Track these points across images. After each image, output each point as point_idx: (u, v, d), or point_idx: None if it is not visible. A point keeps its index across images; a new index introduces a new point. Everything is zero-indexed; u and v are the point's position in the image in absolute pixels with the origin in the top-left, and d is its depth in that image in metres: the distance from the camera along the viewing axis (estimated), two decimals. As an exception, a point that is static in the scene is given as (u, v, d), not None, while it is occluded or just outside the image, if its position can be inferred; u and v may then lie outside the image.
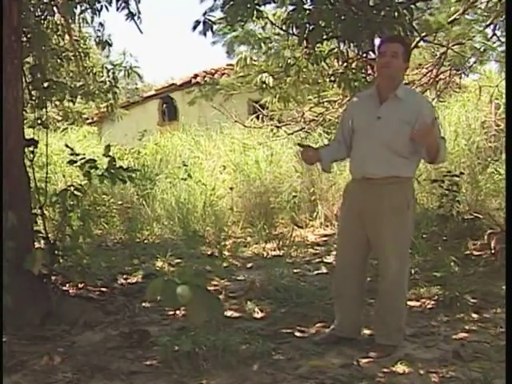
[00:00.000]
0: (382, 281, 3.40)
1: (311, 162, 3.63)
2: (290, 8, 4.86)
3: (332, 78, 6.54)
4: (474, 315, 4.00)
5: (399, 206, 3.29)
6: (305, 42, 4.88)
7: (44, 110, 5.34)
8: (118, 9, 5.39)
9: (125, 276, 5.27)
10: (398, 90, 3.30)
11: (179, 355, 3.16)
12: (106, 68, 8.11)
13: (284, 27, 4.90)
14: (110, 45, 6.99)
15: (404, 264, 3.38)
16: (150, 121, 15.19)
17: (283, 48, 7.11)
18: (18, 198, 3.90)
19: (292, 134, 8.53)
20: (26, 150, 4.17)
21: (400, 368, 3.12)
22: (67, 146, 4.74)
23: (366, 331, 3.60)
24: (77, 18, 6.74)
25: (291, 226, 7.35)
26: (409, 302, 4.28)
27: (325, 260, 5.77)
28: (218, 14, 5.16)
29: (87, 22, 6.93)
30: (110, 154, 4.46)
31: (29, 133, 4.82)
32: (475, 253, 5.59)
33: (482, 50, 7.26)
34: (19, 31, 4.05)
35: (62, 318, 3.94)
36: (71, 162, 4.54)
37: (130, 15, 5.39)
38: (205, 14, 4.71)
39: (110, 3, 5.58)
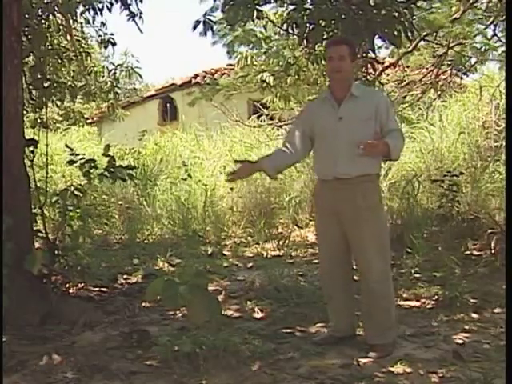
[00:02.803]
0: (366, 281, 3.35)
1: (245, 174, 3.64)
2: (291, 7, 4.86)
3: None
4: (474, 315, 3.99)
5: (373, 202, 3.32)
6: (305, 41, 4.88)
7: (44, 110, 5.35)
8: (119, 7, 5.41)
9: (125, 276, 5.27)
10: (352, 89, 3.34)
11: (179, 355, 3.16)
12: (107, 68, 8.11)
13: (284, 27, 4.91)
14: (114, 44, 6.99)
15: (387, 261, 3.38)
16: (150, 121, 15.19)
17: (283, 47, 7.10)
18: (18, 198, 3.90)
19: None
20: (26, 149, 4.17)
21: (400, 368, 3.11)
22: (67, 146, 4.75)
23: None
24: (78, 17, 6.76)
25: (291, 225, 7.34)
26: (409, 302, 4.30)
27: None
28: (218, 13, 5.17)
29: (89, 22, 6.94)
30: (110, 153, 4.47)
31: (29, 133, 4.82)
32: (475, 253, 5.59)
33: (482, 50, 7.26)
34: (19, 31, 4.05)
35: (62, 318, 3.94)
36: (71, 162, 4.55)
37: (132, 15, 5.40)
38: (205, 14, 4.72)
39: (117, 2, 5.57)
